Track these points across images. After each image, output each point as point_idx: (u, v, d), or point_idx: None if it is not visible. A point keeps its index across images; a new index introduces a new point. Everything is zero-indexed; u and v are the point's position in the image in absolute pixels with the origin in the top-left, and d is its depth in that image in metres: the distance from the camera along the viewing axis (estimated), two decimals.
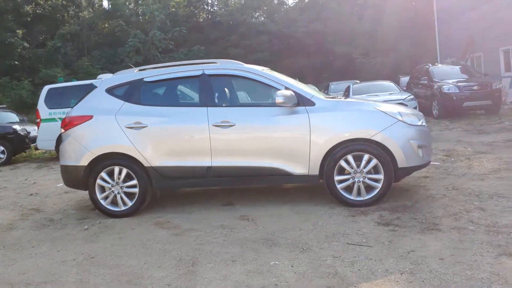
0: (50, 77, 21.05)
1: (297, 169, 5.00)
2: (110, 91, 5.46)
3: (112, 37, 26.42)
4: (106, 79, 5.69)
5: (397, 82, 19.93)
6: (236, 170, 5.12)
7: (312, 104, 5.01)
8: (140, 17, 25.04)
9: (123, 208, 5.31)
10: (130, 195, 5.31)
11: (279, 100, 4.85)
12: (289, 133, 5.01)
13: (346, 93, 15.15)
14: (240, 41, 27.16)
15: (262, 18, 29.45)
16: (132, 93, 5.40)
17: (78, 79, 13.47)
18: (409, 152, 4.88)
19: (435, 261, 3.37)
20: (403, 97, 13.43)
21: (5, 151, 11.68)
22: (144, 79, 5.44)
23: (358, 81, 18.93)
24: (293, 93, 4.94)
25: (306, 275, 3.32)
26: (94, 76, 22.95)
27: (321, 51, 28.04)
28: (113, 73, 22.33)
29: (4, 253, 4.36)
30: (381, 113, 4.94)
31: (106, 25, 26.39)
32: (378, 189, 4.91)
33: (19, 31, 24.99)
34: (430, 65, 15.49)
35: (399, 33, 26.63)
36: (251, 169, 5.08)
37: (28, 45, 25.14)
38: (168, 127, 5.22)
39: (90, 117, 5.38)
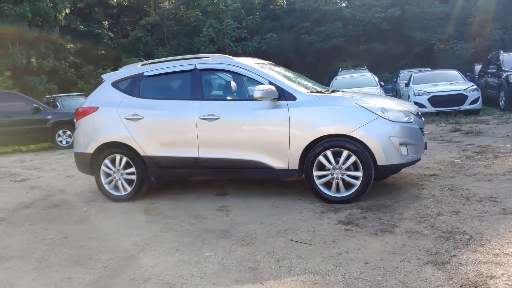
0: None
1: (278, 163, 5.06)
2: (115, 84, 5.88)
3: (190, 27, 27.45)
4: (112, 73, 6.11)
5: (471, 71, 18.63)
6: (221, 162, 5.29)
7: (293, 98, 5.01)
8: (216, 7, 25.69)
9: (123, 193, 5.73)
10: (130, 182, 5.71)
11: (256, 94, 4.92)
12: (270, 127, 5.06)
13: (407, 83, 14.53)
14: (313, 28, 26.85)
15: (338, 4, 28.77)
16: (133, 86, 5.77)
17: None
18: (389, 149, 4.71)
19: (358, 264, 3.31)
20: (464, 87, 12.59)
21: (72, 135, 12.82)
22: (144, 73, 5.78)
23: (429, 69, 17.96)
24: (274, 88, 4.97)
25: (227, 268, 3.44)
26: None
27: (399, 37, 26.81)
28: None
29: (4, 229, 4.95)
30: (361, 108, 4.81)
31: (183, 15, 27.46)
32: (356, 187, 4.82)
33: (105, 23, 26.93)
34: (501, 52, 14.26)
35: (488, 16, 24.65)
36: (234, 161, 5.22)
37: (112, 35, 27.01)
38: (161, 119, 5.52)
39: (96, 108, 5.85)
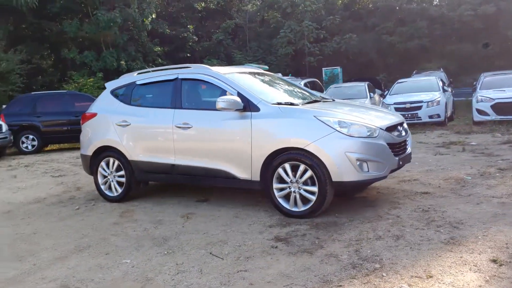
0: None
1: (242, 174, 5.07)
2: (113, 92, 6.28)
3: (271, 29, 27.78)
4: (112, 82, 6.52)
5: None
6: (194, 170, 5.43)
7: (257, 109, 4.99)
8: (295, 8, 25.72)
9: (115, 194, 6.12)
10: (121, 184, 6.08)
11: (218, 105, 4.97)
12: (235, 137, 5.09)
13: (474, 87, 13.42)
14: (396, 28, 25.67)
15: (424, 4, 27.14)
16: (126, 94, 6.13)
17: None
18: (344, 165, 4.51)
19: (243, 284, 3.27)
20: None
21: None
22: (136, 82, 6.10)
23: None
24: (238, 99, 4.99)
25: (127, 276, 3.58)
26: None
27: (493, 37, 24.61)
28: (267, 64, 23.54)
29: (6, 220, 5.56)
30: (318, 122, 4.65)
31: (265, 17, 27.85)
32: (312, 202, 4.68)
33: (190, 26, 28.24)
34: None
35: None
36: (205, 170, 5.33)
37: (197, 39, 28.24)
38: (144, 125, 5.81)
39: (95, 114, 6.30)
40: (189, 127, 5.37)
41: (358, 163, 4.52)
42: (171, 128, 5.50)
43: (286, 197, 4.85)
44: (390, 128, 4.88)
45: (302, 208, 4.75)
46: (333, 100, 6.04)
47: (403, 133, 5.11)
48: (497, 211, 4.54)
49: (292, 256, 3.75)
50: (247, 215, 5.05)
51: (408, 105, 12.54)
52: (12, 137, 12.32)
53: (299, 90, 6.13)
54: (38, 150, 13.18)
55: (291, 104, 5.15)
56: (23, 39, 25.26)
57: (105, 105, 6.29)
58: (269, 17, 27.32)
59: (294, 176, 4.74)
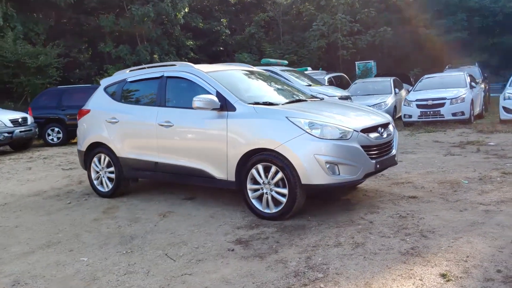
0: (240, 62, 23.42)
1: (218, 174, 5.04)
2: (105, 89, 6.38)
3: (305, 22, 27.42)
4: (106, 79, 6.61)
5: None
6: (175, 168, 5.44)
7: (233, 109, 4.92)
8: (329, 1, 25.25)
9: (106, 189, 6.22)
10: (111, 180, 6.17)
11: (194, 104, 4.95)
12: (212, 137, 5.06)
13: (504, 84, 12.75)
14: (433, 21, 24.70)
15: None
16: (117, 91, 6.20)
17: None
18: (313, 168, 4.38)
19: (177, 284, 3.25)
20: None
21: None
22: (127, 79, 6.17)
23: None
24: (215, 98, 4.94)
25: (77, 275, 3.63)
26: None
27: None
28: (299, 57, 23.28)
29: None
30: (289, 123, 4.54)
31: (299, 10, 27.50)
32: (283, 204, 4.58)
33: (224, 20, 28.28)
34: None
35: None
36: (185, 168, 5.33)
37: (229, 32, 28.26)
38: (130, 122, 5.87)
39: (89, 111, 6.42)
40: (171, 126, 5.38)
41: (327, 165, 4.38)
42: (155, 126, 5.52)
43: (260, 198, 4.78)
44: (368, 130, 4.69)
45: (273, 210, 4.67)
46: (321, 100, 5.88)
47: (385, 135, 4.90)
48: (477, 220, 4.29)
49: (243, 260, 3.68)
50: (223, 215, 5.02)
51: (430, 102, 12.06)
52: (37, 130, 12.79)
53: (288, 89, 6.00)
54: (63, 143, 13.62)
55: (270, 104, 5.04)
56: (62, 33, 26.12)
57: (98, 101, 6.40)
58: (303, 9, 26.92)
59: (267, 177, 4.66)
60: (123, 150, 5.91)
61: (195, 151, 5.22)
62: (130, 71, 6.37)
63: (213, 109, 4.96)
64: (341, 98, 11.56)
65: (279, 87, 6.00)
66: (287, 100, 5.37)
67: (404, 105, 12.51)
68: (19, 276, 3.66)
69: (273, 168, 4.60)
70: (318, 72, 17.44)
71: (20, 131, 11.98)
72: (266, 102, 5.09)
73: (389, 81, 14.63)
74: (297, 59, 25.43)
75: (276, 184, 4.62)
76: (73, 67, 25.61)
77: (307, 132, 4.44)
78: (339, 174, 4.43)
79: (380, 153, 4.78)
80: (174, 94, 5.61)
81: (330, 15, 25.10)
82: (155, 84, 5.78)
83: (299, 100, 5.50)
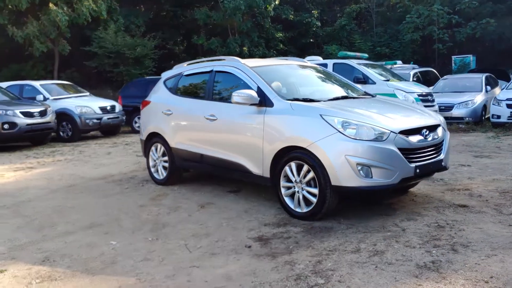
0: (328, 54, 23.08)
1: (255, 169, 5.06)
2: (165, 82, 6.67)
3: (398, 13, 26.22)
4: (167, 72, 6.88)
5: None
6: (217, 161, 5.55)
7: (271, 105, 4.90)
8: None
9: (161, 177, 6.54)
10: (166, 168, 6.47)
11: (233, 99, 5.00)
12: (250, 131, 5.08)
13: None
14: None
15: None
16: (174, 84, 6.46)
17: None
18: (343, 169, 4.23)
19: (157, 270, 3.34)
20: None
21: None
22: (183, 73, 6.39)
23: None
24: (254, 93, 4.95)
25: (101, 256, 3.88)
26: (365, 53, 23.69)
27: None
28: (391, 50, 22.42)
29: (63, 193, 6.35)
30: (322, 121, 4.41)
31: (394, 1, 26.26)
32: (313, 204, 4.50)
33: (315, 11, 27.93)
34: None
35: None
36: (226, 162, 5.42)
37: (320, 24, 27.85)
38: (182, 115, 6.09)
39: (149, 102, 6.77)
40: (215, 119, 5.49)
41: (359, 167, 4.20)
42: (202, 119, 5.66)
43: (292, 197, 4.72)
44: (409, 132, 4.41)
45: (304, 209, 4.59)
46: (372, 97, 5.62)
47: (430, 138, 4.56)
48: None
49: (254, 258, 3.68)
50: (257, 210, 5.04)
51: None
52: (124, 117, 13.71)
53: (338, 85, 5.80)
54: None
55: (310, 100, 4.93)
56: (160, 26, 27.60)
57: (158, 93, 6.71)
58: (395, 1, 25.72)
59: (299, 176, 4.59)
60: (175, 140, 6.14)
61: (235, 145, 5.28)
62: (188, 64, 6.57)
63: (252, 104, 4.96)
64: (421, 95, 10.94)
65: (328, 83, 5.83)
66: (331, 97, 5.21)
67: (493, 104, 11.50)
68: (51, 254, 3.99)
69: (305, 167, 4.51)
70: (407, 66, 16.60)
71: (108, 118, 12.94)
72: (307, 98, 4.98)
73: (480, 77, 13.52)
74: (389, 52, 24.42)
75: (308, 183, 4.54)
76: (168, 58, 26.95)
77: (339, 131, 4.28)
78: (371, 177, 4.23)
79: (422, 157, 4.47)
80: (221, 88, 5.70)
81: (426, 6, 23.71)
82: (205, 78, 5.93)
83: (346, 97, 5.32)
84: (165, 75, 6.78)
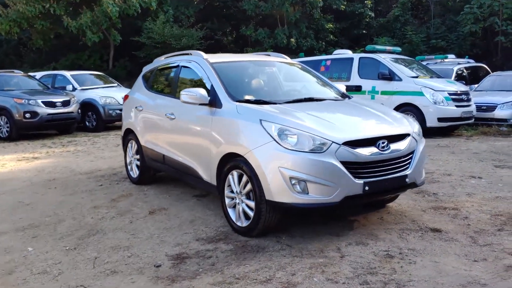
0: (377, 45, 21.88)
1: (205, 175, 4.64)
2: (143, 76, 6.36)
3: (459, 3, 24.35)
4: (147, 66, 6.55)
5: None
6: (175, 163, 5.18)
7: (220, 106, 4.44)
8: None
9: (134, 176, 6.28)
10: (138, 167, 6.19)
11: (181, 98, 4.58)
12: (201, 134, 4.64)
13: None
14: None
15: None
16: (148, 79, 6.14)
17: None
18: (276, 182, 3.70)
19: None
20: None
21: None
22: (158, 67, 6.04)
23: None
24: (204, 92, 4.51)
25: (8, 263, 3.64)
26: (415, 46, 22.20)
27: None
28: (448, 43, 20.97)
29: (38, 188, 6.25)
30: (260, 127, 3.88)
31: None
32: (251, 219, 4.00)
33: (368, 1, 26.61)
34: None
35: None
36: (181, 165, 5.04)
37: (373, 15, 26.51)
38: (149, 112, 5.75)
39: (127, 97, 6.50)
40: (173, 118, 5.11)
41: (293, 182, 3.65)
42: (164, 117, 5.30)
43: (235, 208, 4.25)
44: (358, 142, 3.77)
45: (244, 223, 4.11)
46: (349, 98, 4.97)
47: (388, 150, 3.88)
48: (481, 279, 3.16)
49: (151, 281, 3.29)
50: (204, 221, 4.62)
51: None
52: None
53: (311, 86, 5.21)
54: None
55: (263, 102, 4.40)
56: (210, 16, 27.54)
57: (136, 88, 6.43)
58: None
59: (240, 186, 4.11)
60: (144, 138, 5.84)
61: (188, 148, 4.88)
62: (165, 58, 6.21)
63: (201, 104, 4.52)
64: (453, 94, 9.92)
65: (299, 82, 5.24)
66: (291, 99, 4.64)
67: None
68: None
69: (244, 177, 4.02)
70: (461, 60, 15.29)
71: None
72: (260, 100, 4.45)
73: None
74: (445, 45, 22.75)
75: (247, 196, 4.04)
76: (216, 49, 26.83)
77: (274, 139, 3.74)
78: (307, 193, 3.66)
79: (374, 172, 3.81)
80: (183, 85, 5.29)
81: None
82: (172, 73, 5.56)
83: (311, 100, 4.71)
84: (145, 69, 6.47)
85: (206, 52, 5.13)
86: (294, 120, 3.90)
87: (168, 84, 5.62)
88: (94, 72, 15.43)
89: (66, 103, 11.75)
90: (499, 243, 3.79)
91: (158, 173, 6.18)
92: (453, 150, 8.43)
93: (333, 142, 3.67)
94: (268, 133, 3.79)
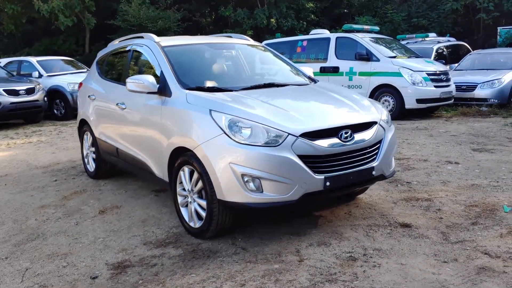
0: (358, 25, 21.42)
1: (156, 171, 4.24)
2: (96, 62, 5.88)
3: None
4: (101, 50, 6.06)
5: None
6: (128, 157, 4.77)
7: (169, 94, 4.01)
8: None
9: (91, 170, 5.85)
10: (95, 160, 5.76)
11: (127, 86, 4.14)
12: (151, 126, 4.23)
13: None
14: None
15: None
16: (102, 65, 5.68)
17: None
18: (227, 180, 3.32)
19: None
20: None
21: None
22: (111, 52, 5.57)
23: None
24: (151, 79, 4.07)
25: None
26: (396, 25, 21.81)
27: None
28: (429, 21, 20.53)
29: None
30: (210, 118, 3.48)
31: None
32: (203, 220, 3.63)
33: None
34: None
35: None
36: (133, 159, 4.63)
37: None
38: (100, 101, 5.33)
39: (81, 84, 6.03)
40: (124, 108, 4.68)
41: (245, 179, 3.27)
42: (114, 107, 4.87)
43: (188, 207, 3.87)
44: (318, 133, 3.39)
45: (197, 224, 3.73)
46: (314, 82, 4.59)
47: (352, 141, 3.51)
48: (451, 284, 2.84)
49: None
50: (157, 220, 4.24)
51: None
52: None
53: (274, 70, 4.82)
54: None
55: (217, 89, 3.99)
56: None
57: (90, 75, 5.98)
58: None
59: (191, 183, 3.72)
60: (98, 130, 5.41)
61: (140, 140, 4.48)
62: (119, 42, 5.73)
63: (150, 92, 4.09)
64: (432, 74, 9.59)
65: (260, 66, 4.84)
66: (249, 85, 4.23)
67: None
68: None
69: (195, 174, 3.63)
70: (437, 39, 14.94)
71: None
72: (213, 87, 4.04)
73: None
74: (426, 23, 22.37)
75: (199, 194, 3.66)
76: (195, 31, 26.12)
77: (224, 132, 3.35)
78: (262, 191, 3.28)
79: (336, 166, 3.45)
80: (134, 71, 4.84)
81: None
82: (124, 58, 5.10)
83: (271, 85, 4.31)
84: (99, 54, 5.99)
85: (186, 34, 4.66)
86: (246, 109, 3.51)
87: (119, 71, 5.17)
88: (63, 58, 14.78)
89: (30, 91, 11.18)
90: (472, 240, 3.48)
91: (115, 166, 5.75)
92: (431, 132, 8.12)
93: (289, 134, 3.29)
94: (218, 125, 3.40)
